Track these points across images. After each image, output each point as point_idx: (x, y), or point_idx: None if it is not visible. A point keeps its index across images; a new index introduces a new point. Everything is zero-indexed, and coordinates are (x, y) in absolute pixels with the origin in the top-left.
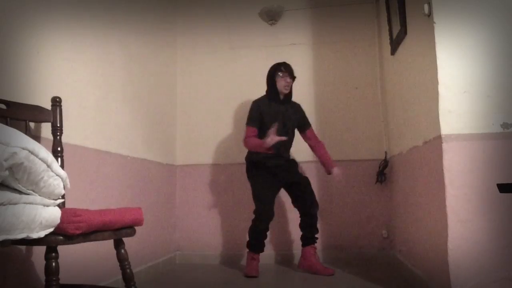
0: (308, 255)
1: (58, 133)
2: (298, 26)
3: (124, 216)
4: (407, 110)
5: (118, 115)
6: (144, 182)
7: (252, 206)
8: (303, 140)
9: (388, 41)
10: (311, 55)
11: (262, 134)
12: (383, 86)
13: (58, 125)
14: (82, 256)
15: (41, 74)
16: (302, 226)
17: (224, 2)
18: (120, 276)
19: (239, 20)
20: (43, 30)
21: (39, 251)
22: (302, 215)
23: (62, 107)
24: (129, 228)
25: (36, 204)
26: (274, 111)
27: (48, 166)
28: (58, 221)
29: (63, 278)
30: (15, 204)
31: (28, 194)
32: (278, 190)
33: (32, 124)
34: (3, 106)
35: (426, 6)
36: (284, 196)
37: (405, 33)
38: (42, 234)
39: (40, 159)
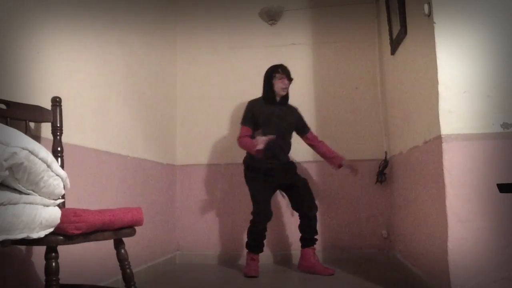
0: (307, 256)
1: (58, 133)
2: (298, 26)
3: (124, 216)
4: (407, 110)
5: (118, 115)
6: (144, 182)
7: (252, 206)
8: (301, 140)
9: (388, 41)
10: (311, 55)
11: (254, 135)
12: (383, 86)
13: (58, 125)
14: (82, 256)
15: (41, 74)
16: (301, 228)
17: (224, 2)
18: (120, 276)
19: (239, 20)
20: (43, 30)
21: (39, 251)
22: (301, 217)
23: (62, 107)
24: (129, 228)
25: (36, 204)
26: (269, 112)
27: (48, 166)
28: (58, 221)
29: (63, 278)
30: (15, 204)
31: (28, 194)
32: (274, 191)
33: (32, 124)
34: (3, 106)
35: (426, 6)
36: (283, 196)
37: (405, 33)
38: (42, 234)
39: (40, 159)
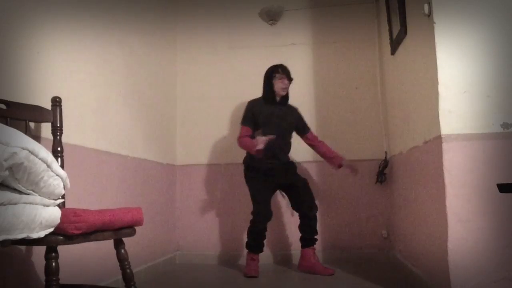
0: (307, 257)
1: (58, 133)
2: (298, 26)
3: (124, 216)
4: (407, 110)
5: (118, 115)
6: (144, 182)
7: (252, 206)
8: (301, 140)
9: (388, 41)
10: (311, 55)
11: (254, 135)
12: (383, 86)
13: (58, 125)
14: (82, 256)
15: (41, 74)
16: (301, 228)
17: (224, 2)
18: (120, 276)
19: (239, 20)
20: (43, 30)
21: (39, 251)
22: (301, 217)
23: (62, 107)
24: (129, 228)
25: (36, 204)
26: (269, 112)
27: (48, 166)
28: (58, 221)
29: (63, 278)
30: (15, 204)
31: (28, 194)
32: (274, 191)
33: (32, 124)
34: (3, 106)
35: (426, 6)
36: (283, 196)
37: (405, 33)
38: (42, 234)
39: (40, 159)
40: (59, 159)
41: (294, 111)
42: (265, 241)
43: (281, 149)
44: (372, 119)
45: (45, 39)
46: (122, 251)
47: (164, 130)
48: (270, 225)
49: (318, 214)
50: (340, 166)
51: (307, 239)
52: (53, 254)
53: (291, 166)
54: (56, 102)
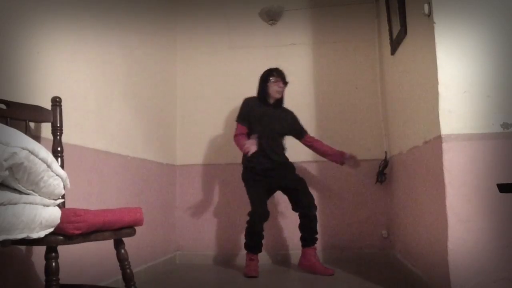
0: (308, 256)
1: (58, 133)
2: (298, 26)
3: (124, 216)
4: (407, 110)
5: (118, 115)
6: (144, 182)
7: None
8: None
9: (388, 41)
10: (311, 55)
11: (250, 132)
12: (383, 86)
13: (58, 125)
14: (82, 256)
15: (41, 74)
16: (301, 227)
17: (224, 2)
18: (120, 276)
19: (239, 20)
20: (43, 30)
21: (39, 251)
22: (301, 217)
23: (62, 107)
24: (129, 228)
25: (36, 204)
26: (262, 112)
27: (48, 166)
28: (58, 221)
29: (63, 278)
30: (15, 204)
31: (28, 194)
32: (272, 192)
33: (32, 124)
34: (3, 106)
35: (426, 6)
36: (282, 196)
37: (405, 33)
38: (42, 234)
39: (40, 159)
40: (59, 159)
41: (289, 114)
42: (263, 241)
43: (272, 150)
44: (372, 119)
45: (45, 39)
46: (122, 251)
47: (164, 130)
48: (269, 225)
49: (318, 214)
50: (342, 162)
51: (308, 238)
52: (53, 254)
53: (289, 166)
54: (56, 102)
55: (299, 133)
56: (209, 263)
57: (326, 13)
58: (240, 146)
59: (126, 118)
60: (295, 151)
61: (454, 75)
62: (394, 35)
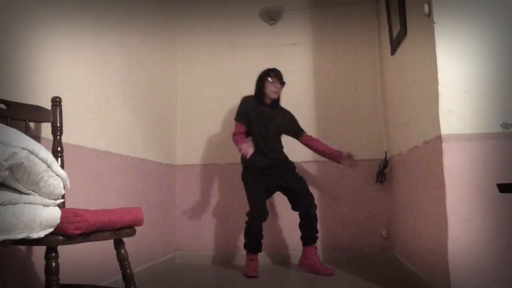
0: (309, 254)
1: (58, 133)
2: (298, 26)
3: (124, 216)
4: (407, 110)
5: (118, 115)
6: (144, 182)
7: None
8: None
9: (388, 41)
10: (311, 55)
11: (248, 131)
12: (383, 86)
13: (58, 125)
14: (82, 256)
15: (41, 74)
16: (301, 227)
17: (224, 2)
18: (120, 276)
19: (239, 20)
20: (43, 30)
21: (39, 251)
22: (301, 217)
23: (62, 107)
24: (129, 228)
25: (36, 204)
26: (259, 111)
27: (48, 166)
28: (58, 221)
29: (63, 278)
30: (15, 204)
31: (28, 194)
32: (271, 192)
33: (32, 124)
34: (3, 106)
35: (426, 6)
36: (281, 196)
37: (405, 33)
38: (42, 234)
39: (40, 159)
40: (59, 159)
41: (286, 113)
42: (262, 241)
43: (269, 149)
44: (372, 119)
45: (45, 39)
46: (122, 251)
47: (164, 130)
48: (269, 225)
49: (318, 214)
50: (339, 161)
51: (308, 237)
52: (53, 254)
53: (289, 165)
54: (56, 102)
55: (297, 132)
56: (209, 263)
57: (326, 13)
58: (238, 146)
59: (126, 118)
60: (294, 151)
61: (454, 75)
62: (394, 35)
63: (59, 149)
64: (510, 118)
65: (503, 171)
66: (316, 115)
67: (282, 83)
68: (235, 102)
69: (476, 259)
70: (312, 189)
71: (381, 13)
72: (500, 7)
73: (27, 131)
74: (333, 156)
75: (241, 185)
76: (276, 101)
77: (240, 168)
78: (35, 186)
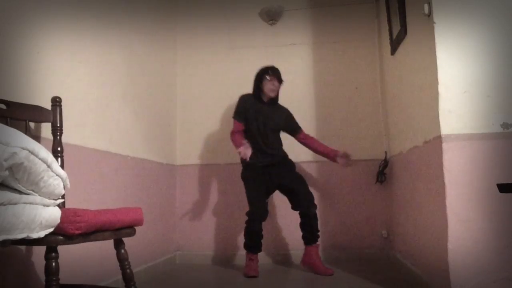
0: (310, 253)
1: (58, 133)
2: (298, 26)
3: (124, 216)
4: (407, 110)
5: (118, 115)
6: (144, 182)
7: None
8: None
9: (388, 41)
10: (311, 55)
11: (246, 129)
12: (383, 86)
13: (58, 125)
14: (82, 256)
15: (41, 74)
16: (302, 226)
17: (224, 2)
18: (120, 276)
19: (239, 20)
20: (43, 30)
21: (39, 251)
22: (301, 216)
23: (62, 107)
24: (129, 228)
25: (36, 204)
26: (257, 109)
27: (48, 166)
28: (58, 221)
29: (63, 278)
30: (15, 204)
31: (28, 194)
32: (271, 191)
33: (32, 124)
34: (3, 106)
35: (426, 6)
36: (281, 196)
37: (405, 33)
38: (42, 234)
39: (40, 159)
40: (59, 159)
41: (284, 111)
42: (262, 241)
43: (268, 146)
44: (372, 119)
45: (45, 39)
46: (122, 251)
47: (164, 130)
48: (269, 225)
49: (318, 214)
50: (335, 160)
51: (309, 237)
52: (53, 254)
53: (289, 163)
54: (56, 102)
55: (294, 129)
56: (209, 263)
57: (326, 13)
58: (236, 149)
59: (126, 118)
60: (294, 151)
61: (454, 75)
62: (394, 35)
63: (59, 149)
64: (510, 118)
65: (503, 171)
66: (316, 115)
67: (280, 81)
68: (235, 102)
69: (476, 259)
70: (312, 189)
71: (381, 13)
72: (500, 7)
73: (27, 131)
74: (329, 155)
75: (241, 184)
76: (274, 99)
77: (240, 168)
78: (35, 186)
